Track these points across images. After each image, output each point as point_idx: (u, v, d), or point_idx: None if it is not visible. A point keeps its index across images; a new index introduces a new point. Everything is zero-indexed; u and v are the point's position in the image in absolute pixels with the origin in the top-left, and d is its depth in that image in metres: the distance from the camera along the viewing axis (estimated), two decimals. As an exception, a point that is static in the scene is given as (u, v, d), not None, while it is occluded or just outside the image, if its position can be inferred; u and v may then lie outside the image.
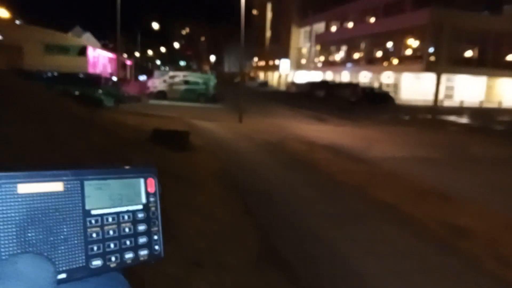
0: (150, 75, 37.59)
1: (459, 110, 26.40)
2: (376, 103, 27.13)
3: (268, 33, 70.03)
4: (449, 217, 5.37)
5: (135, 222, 0.51)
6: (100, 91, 17.44)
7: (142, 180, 0.53)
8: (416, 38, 36.02)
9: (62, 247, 0.43)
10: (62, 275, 0.42)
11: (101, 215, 0.47)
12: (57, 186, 0.44)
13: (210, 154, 8.50)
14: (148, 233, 0.52)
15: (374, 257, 4.10)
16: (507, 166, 9.53)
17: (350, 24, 48.77)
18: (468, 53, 36.19)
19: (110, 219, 0.48)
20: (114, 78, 23.33)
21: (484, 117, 22.44)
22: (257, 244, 4.19)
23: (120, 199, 0.50)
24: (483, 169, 8.92)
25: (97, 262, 0.45)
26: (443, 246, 4.47)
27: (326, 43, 52.96)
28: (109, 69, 40.53)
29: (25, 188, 0.41)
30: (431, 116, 19.83)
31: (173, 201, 4.89)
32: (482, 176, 8.19)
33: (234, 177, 6.89)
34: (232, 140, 10.76)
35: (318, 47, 55.79)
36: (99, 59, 39.26)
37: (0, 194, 0.39)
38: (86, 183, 0.46)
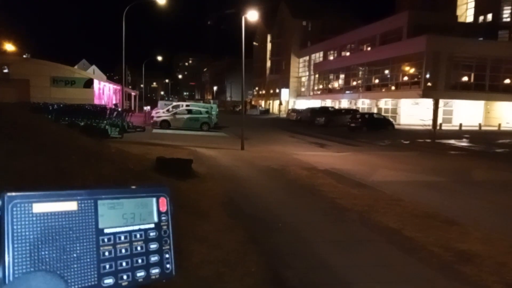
0: (154, 105, 38.20)
1: (459, 134, 26.53)
2: (376, 128, 27.35)
3: (269, 63, 71.56)
4: (454, 241, 5.36)
5: (147, 240, 0.51)
6: (106, 121, 17.73)
7: (154, 200, 0.54)
8: (413, 65, 36.75)
9: (75, 265, 0.43)
10: None
11: (114, 234, 0.48)
12: (71, 206, 0.44)
13: (213, 181, 8.58)
14: (159, 251, 0.52)
15: (380, 284, 4.10)
16: (510, 189, 9.54)
17: (348, 53, 49.86)
18: (465, 78, 36.74)
19: (122, 238, 0.48)
20: (119, 109, 23.71)
21: (484, 140, 22.52)
22: (262, 271, 4.21)
23: (132, 217, 0.50)
24: (486, 193, 8.93)
25: (109, 281, 0.46)
26: (449, 272, 4.46)
27: (324, 71, 53.99)
28: (114, 100, 41.24)
29: (40, 207, 0.42)
30: (430, 140, 19.91)
31: (179, 229, 4.93)
32: (485, 200, 8.20)
33: (238, 204, 6.94)
34: (235, 167, 10.85)
35: (317, 76, 56.81)
36: (105, 90, 40.06)
37: (15, 213, 0.40)
38: (99, 202, 0.47)
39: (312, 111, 36.91)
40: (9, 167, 3.84)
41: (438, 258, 4.83)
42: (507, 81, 36.92)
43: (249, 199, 7.47)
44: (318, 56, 57.72)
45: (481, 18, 42.63)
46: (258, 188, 8.50)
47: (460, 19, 43.75)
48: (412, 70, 37.02)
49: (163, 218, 0.54)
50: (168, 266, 0.52)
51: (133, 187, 0.52)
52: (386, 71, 40.43)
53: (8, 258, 0.39)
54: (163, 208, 0.54)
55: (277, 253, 4.83)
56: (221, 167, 10.77)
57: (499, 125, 34.26)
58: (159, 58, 59.15)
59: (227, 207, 6.65)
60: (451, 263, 4.67)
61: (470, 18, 44.13)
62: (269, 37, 70.41)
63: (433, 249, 5.08)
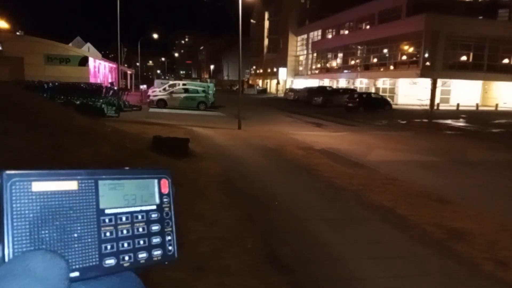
0: (150, 84, 37.85)
1: (456, 114, 26.58)
2: (373, 108, 27.33)
3: (266, 42, 70.62)
4: (446, 220, 5.47)
5: (148, 222, 0.51)
6: (102, 100, 17.60)
7: (156, 181, 0.53)
8: (411, 44, 36.41)
9: (76, 246, 0.43)
10: (75, 273, 0.42)
11: (115, 214, 0.48)
12: (71, 185, 0.44)
13: (210, 160, 8.62)
14: (161, 233, 0.52)
15: (373, 261, 4.19)
16: (505, 169, 9.65)
17: (346, 32, 49.23)
18: (464, 58, 36.51)
19: (123, 219, 0.48)
20: (115, 87, 23.50)
21: (481, 120, 22.60)
22: (258, 247, 4.30)
23: (134, 199, 0.50)
24: (481, 173, 9.04)
25: (110, 261, 0.46)
26: (441, 249, 4.56)
27: (322, 50, 53.42)
28: (110, 79, 40.79)
29: (40, 186, 0.41)
30: (427, 120, 19.97)
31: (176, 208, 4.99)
32: (480, 180, 8.30)
33: (234, 183, 7.00)
34: (231, 147, 10.88)
35: (315, 54, 56.24)
36: (100, 68, 39.54)
37: (14, 191, 0.40)
38: (100, 182, 0.47)
39: (310, 90, 36.70)
40: (5, 145, 3.84)
41: (430, 235, 4.94)
42: (506, 61, 36.73)
43: (246, 178, 7.53)
44: (316, 35, 56.94)
45: (481, -4, 41.97)
46: (254, 167, 8.55)
47: (460, -3, 43.05)
48: (410, 50, 36.71)
49: (164, 200, 0.54)
50: (170, 248, 0.52)
51: (139, 168, 0.52)
52: (385, 50, 40.08)
53: (7, 237, 0.38)
54: (165, 190, 0.54)
55: (273, 231, 4.92)
56: (218, 147, 10.79)
57: (496, 105, 34.31)
58: (155, 36, 58.21)
59: (224, 186, 6.71)
60: (443, 241, 4.78)
61: (470, -4, 43.43)
62: (266, 15, 69.20)
63: (426, 227, 5.18)
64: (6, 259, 0.38)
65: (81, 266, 0.42)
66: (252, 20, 72.59)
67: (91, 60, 36.04)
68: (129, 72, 53.08)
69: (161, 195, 0.53)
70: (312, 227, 5.10)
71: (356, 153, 10.64)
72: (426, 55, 34.03)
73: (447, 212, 5.82)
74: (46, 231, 0.41)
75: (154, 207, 0.52)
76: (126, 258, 0.47)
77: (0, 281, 0.35)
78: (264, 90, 64.01)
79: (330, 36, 53.21)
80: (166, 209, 0.53)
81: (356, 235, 4.91)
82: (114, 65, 41.80)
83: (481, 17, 36.72)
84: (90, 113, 12.76)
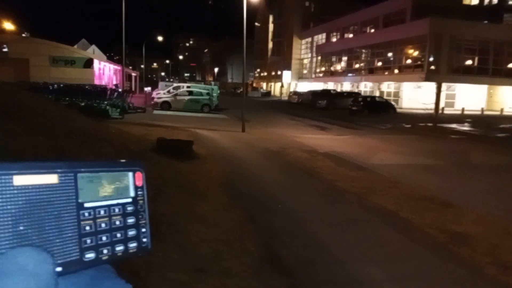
0: (155, 86, 38.03)
1: (460, 118, 26.45)
2: (377, 112, 27.27)
3: (270, 45, 70.75)
4: (449, 223, 5.43)
5: (125, 215, 0.51)
6: (106, 102, 17.69)
7: (131, 174, 0.53)
8: (416, 48, 36.30)
9: (57, 240, 0.43)
10: (58, 268, 0.41)
11: (94, 208, 0.48)
12: (52, 179, 0.43)
13: (213, 163, 8.63)
14: (136, 226, 0.52)
15: (374, 263, 4.17)
16: (509, 173, 9.58)
17: (351, 35, 49.21)
18: (469, 62, 36.35)
19: (102, 212, 0.48)
20: (120, 89, 23.61)
21: (486, 125, 22.48)
22: (259, 250, 4.29)
23: (110, 192, 0.50)
24: (484, 176, 8.98)
25: (90, 255, 0.46)
26: (443, 252, 4.54)
27: (327, 53, 53.43)
28: (114, 81, 41.03)
29: (21, 180, 0.40)
30: (432, 124, 19.90)
31: (177, 210, 5.00)
32: (483, 183, 8.25)
33: (237, 186, 7.00)
34: (235, 149, 10.89)
35: (319, 58, 56.25)
36: (105, 70, 39.80)
37: None
38: (79, 175, 0.47)
39: (314, 93, 36.68)
40: (8, 146, 3.87)
41: (433, 239, 4.91)
42: (511, 65, 36.53)
43: (248, 180, 7.53)
44: (320, 38, 56.99)
45: (486, 0, 41.85)
46: (257, 169, 8.55)
47: (465, 1, 42.95)
48: (415, 53, 36.62)
49: (139, 192, 0.54)
50: (144, 240, 0.53)
51: (110, 160, 0.54)
52: (389, 54, 40.01)
53: None
54: (139, 183, 0.54)
55: (274, 233, 4.91)
56: (221, 149, 10.81)
57: (502, 109, 34.12)
58: (160, 38, 58.48)
59: (226, 188, 6.71)
60: (446, 244, 4.75)
61: (475, 0, 43.32)
62: (271, 18, 69.38)
63: (429, 231, 5.15)
64: None
65: (64, 261, 0.42)
66: (256, 23, 72.79)
67: (96, 62, 36.29)
68: (133, 74, 53.37)
69: (136, 188, 0.54)
70: (314, 229, 5.08)
71: (360, 156, 10.61)
72: (431, 59, 33.93)
73: (450, 216, 5.79)
74: (29, 227, 0.40)
75: (129, 200, 0.52)
76: (105, 251, 0.47)
77: None
78: (268, 93, 64.05)
79: (334, 39, 53.24)
80: (141, 201, 0.54)
81: (358, 238, 4.89)
82: (118, 67, 42.04)
83: (486, 21, 36.59)
84: (94, 115, 12.83)
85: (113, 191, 0.51)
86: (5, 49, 31.36)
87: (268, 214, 5.58)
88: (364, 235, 4.99)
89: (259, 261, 4.02)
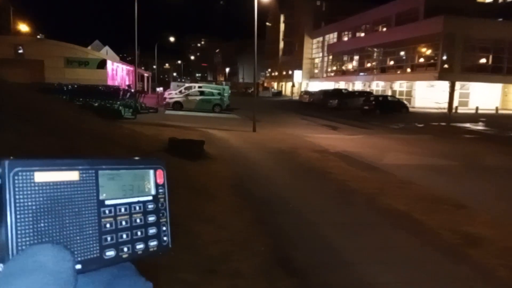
0: (166, 86, 38.34)
1: (474, 117, 26.01)
2: (390, 111, 26.99)
3: (281, 44, 70.61)
4: (461, 225, 5.37)
5: (145, 213, 0.51)
6: (119, 102, 17.91)
7: (152, 172, 0.53)
8: (429, 47, 35.82)
9: (78, 238, 0.43)
10: (78, 266, 0.41)
11: (114, 205, 0.48)
12: (73, 176, 0.44)
13: (224, 163, 8.67)
14: (157, 224, 0.52)
15: (385, 266, 4.15)
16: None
17: (362, 34, 48.80)
18: (483, 60, 35.71)
19: (122, 210, 0.48)
20: (132, 90, 23.88)
21: (500, 124, 22.06)
22: (269, 251, 4.31)
23: (131, 189, 0.50)
24: (498, 178, 8.83)
25: (110, 253, 0.46)
26: (455, 254, 4.49)
27: (338, 53, 53.09)
28: (127, 81, 41.49)
29: (42, 176, 0.40)
30: (445, 123, 19.62)
31: (188, 211, 5.05)
32: (497, 185, 8.11)
33: (247, 186, 7.02)
34: (246, 149, 10.92)
35: (330, 57, 55.93)
36: (118, 71, 40.30)
37: (17, 182, 0.38)
38: (100, 172, 0.47)
39: (325, 93, 36.49)
40: (22, 147, 3.96)
41: (445, 241, 4.86)
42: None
43: (259, 181, 7.55)
44: (332, 37, 56.64)
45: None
46: (267, 170, 8.57)
47: (479, -1, 42.17)
48: (428, 52, 36.12)
49: (160, 190, 0.54)
50: (165, 238, 0.53)
51: (131, 158, 0.53)
52: (402, 53, 39.55)
53: (10, 231, 0.37)
54: (160, 181, 0.54)
55: (284, 235, 4.92)
56: (232, 149, 10.85)
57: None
58: (172, 39, 58.90)
59: (236, 188, 6.75)
60: (458, 246, 4.70)
61: (489, -2, 42.49)
62: (282, 18, 69.24)
63: (441, 232, 5.10)
64: (10, 254, 0.36)
65: (83, 259, 0.43)
66: (267, 23, 72.74)
67: (109, 63, 36.76)
68: (146, 74, 53.89)
69: (157, 185, 0.53)
70: (324, 231, 5.08)
71: (372, 156, 10.54)
72: (444, 57, 33.42)
73: (463, 217, 5.72)
74: (49, 224, 0.40)
75: (150, 197, 0.52)
76: (125, 249, 0.47)
77: (11, 278, 0.34)
78: (279, 93, 63.95)
79: (346, 38, 52.86)
80: (162, 199, 0.54)
81: (369, 240, 4.86)
82: (131, 68, 42.50)
83: (500, 19, 35.87)
84: (107, 115, 13.02)
85: (134, 188, 0.51)
86: (21, 51, 31.98)
87: (278, 215, 5.59)
88: (375, 237, 4.96)
89: (269, 262, 4.04)
